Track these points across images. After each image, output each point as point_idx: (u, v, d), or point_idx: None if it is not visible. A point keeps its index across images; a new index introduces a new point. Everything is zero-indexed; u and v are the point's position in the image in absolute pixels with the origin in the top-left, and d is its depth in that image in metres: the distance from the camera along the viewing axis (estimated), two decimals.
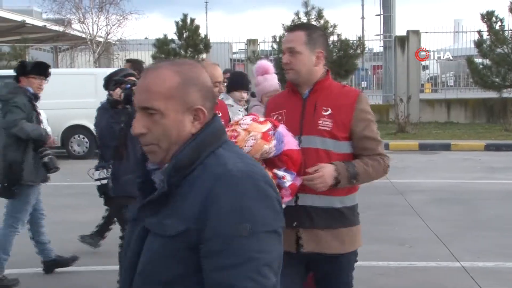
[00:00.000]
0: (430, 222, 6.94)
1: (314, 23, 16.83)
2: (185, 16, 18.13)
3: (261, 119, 2.64)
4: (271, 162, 2.55)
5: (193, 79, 1.53)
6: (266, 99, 3.90)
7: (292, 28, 2.84)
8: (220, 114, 3.85)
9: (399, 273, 5.27)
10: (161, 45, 17.79)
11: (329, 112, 2.69)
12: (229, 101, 4.92)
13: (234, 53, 23.11)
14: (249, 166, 1.50)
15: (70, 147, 13.06)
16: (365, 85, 33.51)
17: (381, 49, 21.08)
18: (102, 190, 4.52)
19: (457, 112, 18.89)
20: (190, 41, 17.83)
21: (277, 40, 17.26)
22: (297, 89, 2.78)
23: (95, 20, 20.53)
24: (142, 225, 1.55)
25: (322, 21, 16.88)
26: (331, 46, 16.89)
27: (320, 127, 2.67)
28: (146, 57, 16.70)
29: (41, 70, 5.07)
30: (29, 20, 27.23)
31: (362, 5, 46.66)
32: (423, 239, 6.31)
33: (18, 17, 26.49)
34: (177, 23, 18.06)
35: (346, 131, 2.67)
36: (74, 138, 13.06)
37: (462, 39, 25.10)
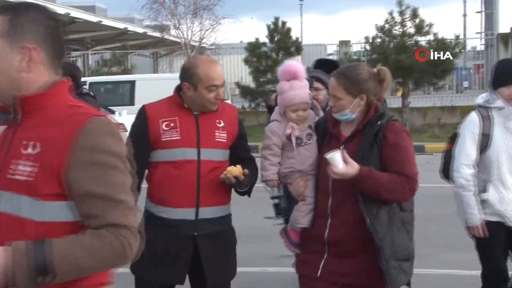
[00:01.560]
0: None
1: (408, 23, 16.27)
2: (277, 19, 18.28)
3: None
4: None
5: None
6: (291, 114, 2.92)
7: None
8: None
9: None
10: (253, 48, 18.02)
11: (31, 150, 1.59)
12: (497, 102, 3.46)
13: (329, 54, 22.97)
14: None
15: None
16: (467, 85, 32.26)
17: (484, 47, 20.24)
18: (277, 210, 4.08)
19: None
20: (282, 44, 17.90)
21: (370, 41, 16.90)
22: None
23: (190, 26, 21.04)
24: None
25: (417, 20, 16.32)
26: (427, 45, 16.22)
27: (9, 176, 1.61)
28: (238, 61, 16.91)
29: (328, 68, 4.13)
30: (131, 28, 28.54)
31: (464, 2, 44.77)
32: None
33: (121, 25, 27.86)
34: (268, 26, 18.24)
35: (55, 184, 1.56)
36: None
37: None
